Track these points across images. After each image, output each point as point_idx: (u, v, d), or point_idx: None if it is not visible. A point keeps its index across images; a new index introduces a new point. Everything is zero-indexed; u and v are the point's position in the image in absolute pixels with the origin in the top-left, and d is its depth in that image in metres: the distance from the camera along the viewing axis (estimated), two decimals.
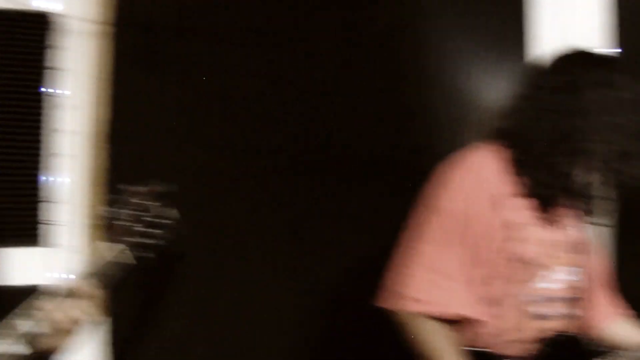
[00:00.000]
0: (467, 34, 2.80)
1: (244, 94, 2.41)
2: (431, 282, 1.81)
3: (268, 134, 2.44)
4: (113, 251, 1.58)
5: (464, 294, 1.82)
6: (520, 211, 1.84)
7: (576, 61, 1.88)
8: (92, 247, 2.13)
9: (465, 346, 1.86)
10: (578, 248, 1.93)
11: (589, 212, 1.92)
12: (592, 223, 1.93)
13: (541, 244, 1.86)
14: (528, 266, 1.84)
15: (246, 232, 2.40)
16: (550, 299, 1.90)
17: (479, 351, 1.86)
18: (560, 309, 1.92)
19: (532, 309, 1.88)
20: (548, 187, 1.83)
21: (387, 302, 1.86)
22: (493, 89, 2.82)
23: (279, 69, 2.47)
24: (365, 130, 2.55)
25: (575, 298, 1.93)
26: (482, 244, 1.83)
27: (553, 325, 1.91)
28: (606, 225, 2.02)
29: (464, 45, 2.79)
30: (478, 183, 1.84)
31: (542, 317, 1.89)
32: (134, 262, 1.61)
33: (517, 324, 1.86)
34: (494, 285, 1.84)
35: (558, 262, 1.89)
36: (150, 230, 1.62)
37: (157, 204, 1.64)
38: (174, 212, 1.66)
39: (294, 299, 2.41)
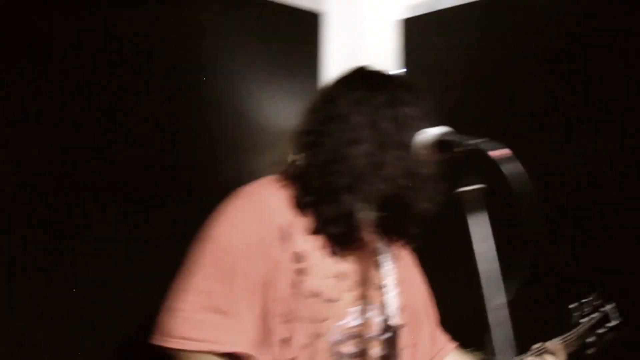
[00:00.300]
0: (255, 57, 2.76)
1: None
2: (203, 319, 1.67)
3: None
4: None
5: (238, 329, 1.67)
6: (310, 244, 1.71)
7: (348, 86, 1.76)
8: None
9: None
10: (380, 281, 1.81)
11: (391, 242, 1.83)
12: (395, 253, 1.86)
13: (336, 279, 1.74)
14: (324, 302, 1.71)
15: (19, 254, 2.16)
16: (354, 337, 1.76)
17: None
18: (366, 347, 1.78)
19: (335, 348, 1.74)
20: (332, 221, 1.70)
21: (160, 340, 1.69)
22: (283, 114, 2.78)
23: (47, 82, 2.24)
24: (143, 152, 2.39)
25: (386, 335, 1.81)
26: (274, 280, 1.69)
27: None
28: (413, 252, 1.99)
29: (252, 68, 2.74)
30: (262, 216, 1.71)
31: (347, 357, 1.75)
32: None
33: None
34: (291, 324, 1.70)
35: (358, 297, 1.78)
36: None
37: None
38: None
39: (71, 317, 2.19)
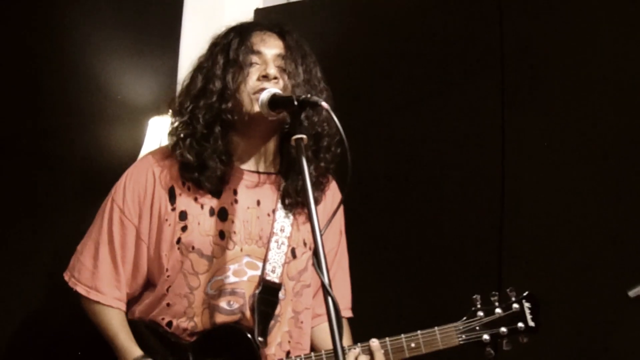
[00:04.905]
0: (118, 28, 2.79)
1: None
2: (87, 266, 1.93)
3: None
4: None
5: (111, 281, 1.92)
6: (192, 204, 1.91)
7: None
8: None
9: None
10: (269, 237, 1.94)
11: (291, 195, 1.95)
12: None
13: (216, 236, 1.90)
14: (202, 257, 1.89)
15: None
16: (231, 294, 1.89)
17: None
18: (243, 304, 1.89)
19: (212, 301, 1.88)
20: (205, 176, 1.89)
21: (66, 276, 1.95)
22: (141, 88, 2.84)
23: None
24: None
25: (262, 294, 1.90)
26: (162, 238, 1.90)
27: (237, 321, 1.89)
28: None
29: (114, 38, 2.77)
30: (151, 179, 1.92)
31: (223, 311, 1.88)
32: None
33: (200, 319, 1.88)
34: (176, 278, 1.89)
35: (241, 254, 1.91)
36: None
37: None
38: None
39: None
